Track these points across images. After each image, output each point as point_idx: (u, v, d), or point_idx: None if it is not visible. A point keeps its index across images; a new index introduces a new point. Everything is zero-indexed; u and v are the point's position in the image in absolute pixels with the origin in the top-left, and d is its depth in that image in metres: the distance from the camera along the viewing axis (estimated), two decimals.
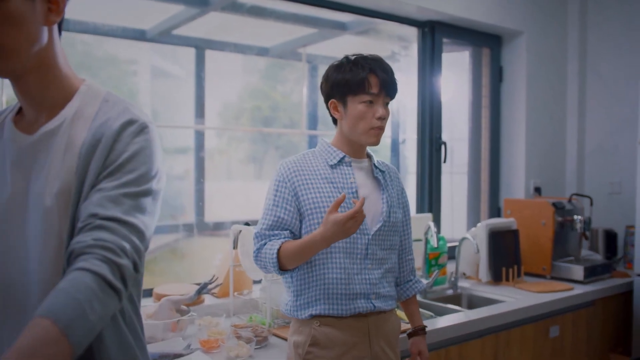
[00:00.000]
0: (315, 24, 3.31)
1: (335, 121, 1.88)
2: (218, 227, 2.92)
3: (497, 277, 3.17)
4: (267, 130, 3.25)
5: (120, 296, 0.98)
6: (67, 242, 1.04)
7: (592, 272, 3.26)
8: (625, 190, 3.77)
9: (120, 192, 1.04)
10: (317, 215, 1.75)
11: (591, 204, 3.61)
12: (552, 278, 3.30)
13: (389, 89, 1.78)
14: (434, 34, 3.42)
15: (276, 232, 1.76)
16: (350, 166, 1.83)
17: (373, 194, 1.84)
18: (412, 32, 3.47)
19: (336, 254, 1.76)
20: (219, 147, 3.14)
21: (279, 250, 1.69)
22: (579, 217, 3.37)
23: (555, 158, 3.99)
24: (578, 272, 3.22)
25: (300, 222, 1.78)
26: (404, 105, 3.61)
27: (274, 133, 3.31)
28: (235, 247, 2.45)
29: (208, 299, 2.51)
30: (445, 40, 3.53)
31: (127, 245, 1.00)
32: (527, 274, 3.38)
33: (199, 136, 2.91)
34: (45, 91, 1.12)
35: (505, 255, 3.23)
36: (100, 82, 2.66)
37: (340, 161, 1.82)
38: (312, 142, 3.40)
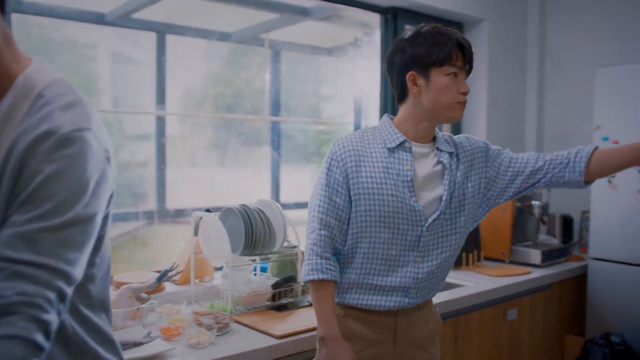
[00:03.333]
0: (278, 9, 3.29)
1: (400, 98, 1.75)
2: (179, 214, 2.89)
3: (457, 262, 3.22)
4: (229, 117, 3.23)
5: (44, 350, 0.88)
6: None
7: (549, 256, 3.34)
8: None
9: (35, 227, 0.88)
10: (364, 201, 1.66)
11: (549, 189, 3.68)
12: (511, 262, 3.37)
13: (471, 64, 1.70)
14: (397, 21, 3.42)
15: (333, 222, 1.67)
16: (410, 152, 1.69)
17: (432, 183, 1.71)
18: (374, 18, 3.47)
19: (380, 244, 1.68)
20: (182, 133, 3.10)
21: (315, 280, 1.65)
22: (537, 202, 3.44)
23: (516, 144, 4.05)
24: (536, 256, 3.29)
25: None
26: (366, 92, 3.62)
27: (237, 120, 3.28)
28: (196, 234, 2.43)
29: (169, 287, 2.49)
30: (407, 26, 3.53)
31: (52, 296, 0.88)
32: (487, 258, 3.45)
33: (160, 122, 2.87)
34: None
35: (466, 240, 3.28)
36: (58, 67, 2.62)
37: (400, 145, 1.69)
38: (274, 128, 3.39)
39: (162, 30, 2.87)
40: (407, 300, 1.71)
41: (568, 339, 3.41)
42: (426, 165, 1.71)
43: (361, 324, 1.70)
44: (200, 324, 2.03)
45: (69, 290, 0.92)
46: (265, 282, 2.42)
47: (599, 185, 3.31)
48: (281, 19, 3.38)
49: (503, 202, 1.82)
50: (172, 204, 2.90)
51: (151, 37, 2.88)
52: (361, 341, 1.71)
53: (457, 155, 1.76)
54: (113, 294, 2.15)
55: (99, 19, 2.71)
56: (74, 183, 0.92)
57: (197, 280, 2.44)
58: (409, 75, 1.67)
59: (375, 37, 3.50)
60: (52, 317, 0.88)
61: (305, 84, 3.58)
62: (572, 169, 1.71)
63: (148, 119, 2.88)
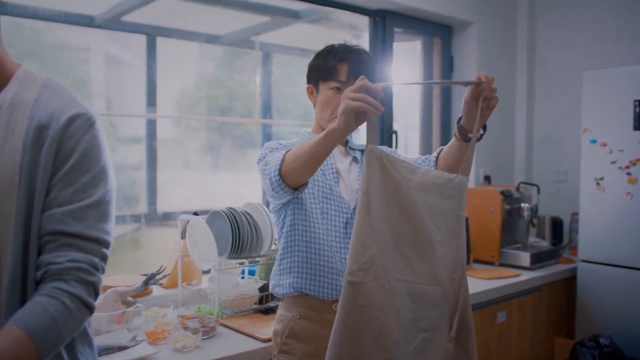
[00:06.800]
0: (268, 12, 3.29)
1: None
2: (167, 218, 2.89)
3: None
4: (219, 119, 3.23)
5: (93, 310, 1.07)
6: (14, 241, 1.03)
7: (539, 259, 3.35)
8: (571, 178, 3.87)
9: (81, 204, 1.06)
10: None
11: (538, 192, 3.69)
12: (501, 265, 3.37)
13: (358, 77, 1.76)
14: (385, 23, 3.43)
15: None
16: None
17: (352, 173, 1.83)
18: (363, 21, 3.47)
19: (317, 232, 1.74)
20: (176, 136, 3.10)
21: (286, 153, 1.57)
22: (527, 204, 3.44)
23: (505, 147, 4.07)
24: (525, 258, 3.30)
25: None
26: None
27: (230, 122, 3.28)
28: (183, 237, 2.43)
29: (156, 290, 2.49)
30: (397, 29, 3.54)
31: (97, 260, 1.07)
32: (476, 261, 3.45)
33: (151, 125, 2.86)
34: None
35: None
36: (50, 70, 2.62)
37: None
38: (266, 131, 3.38)
39: (151, 33, 2.87)
40: None
41: (557, 342, 3.41)
42: (344, 161, 1.85)
43: (316, 325, 1.72)
44: (186, 328, 2.03)
45: (108, 253, 1.11)
46: (252, 285, 2.42)
47: (587, 187, 3.32)
48: (271, 22, 3.38)
49: (465, 167, 1.84)
50: (165, 207, 2.89)
51: (142, 40, 2.88)
52: (318, 341, 1.71)
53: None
54: (99, 297, 2.15)
55: (88, 22, 2.71)
56: (100, 160, 1.11)
57: (184, 284, 2.44)
58: (307, 88, 1.86)
59: (364, 40, 3.50)
60: (97, 279, 1.07)
61: (299, 86, 3.57)
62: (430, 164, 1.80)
63: (141, 121, 2.88)
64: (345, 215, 1.77)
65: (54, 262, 1.02)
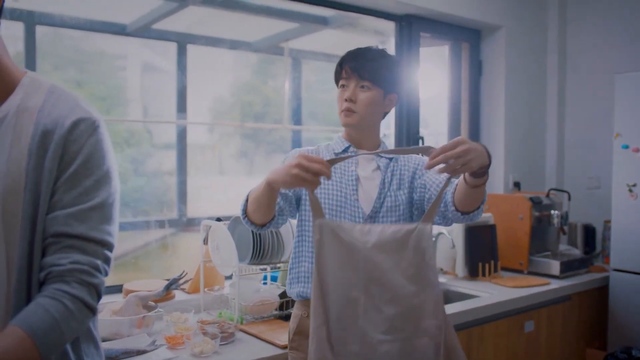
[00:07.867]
0: (297, 19, 3.31)
1: None
2: (191, 223, 2.92)
3: (473, 272, 3.18)
4: (248, 125, 3.26)
5: (95, 312, 1.08)
6: (21, 243, 1.05)
7: (569, 267, 3.27)
8: (604, 184, 3.77)
9: (84, 207, 1.08)
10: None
11: (569, 198, 3.61)
12: (529, 273, 3.31)
13: (360, 72, 1.78)
14: (412, 28, 3.40)
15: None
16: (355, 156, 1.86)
17: (374, 180, 1.82)
18: (390, 26, 3.46)
19: None
20: (210, 142, 3.14)
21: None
22: (556, 211, 3.37)
23: (535, 152, 3.99)
24: (555, 267, 3.23)
25: (298, 202, 1.83)
26: None
27: (264, 129, 3.31)
28: (205, 242, 2.46)
29: (179, 295, 2.52)
30: (424, 34, 3.51)
31: (99, 262, 1.07)
32: (504, 269, 3.39)
33: (181, 131, 2.90)
34: None
35: (482, 250, 3.23)
36: (89, 78, 2.69)
37: (345, 150, 1.86)
38: (295, 137, 3.40)
39: (181, 40, 2.91)
40: None
41: (589, 353, 3.32)
42: (367, 168, 1.85)
43: None
44: (205, 333, 2.04)
45: (111, 255, 1.12)
46: (273, 291, 2.43)
47: (620, 194, 3.23)
48: (300, 28, 3.40)
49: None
50: (198, 212, 2.93)
51: (172, 47, 2.92)
52: None
53: (396, 163, 1.86)
54: (120, 301, 2.19)
55: (120, 30, 2.77)
56: (104, 164, 1.12)
57: (206, 289, 2.46)
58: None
59: (390, 45, 3.49)
60: (99, 281, 1.08)
61: (330, 92, 3.58)
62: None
63: (174, 127, 2.93)
64: (358, 223, 1.77)
65: (57, 264, 1.04)
